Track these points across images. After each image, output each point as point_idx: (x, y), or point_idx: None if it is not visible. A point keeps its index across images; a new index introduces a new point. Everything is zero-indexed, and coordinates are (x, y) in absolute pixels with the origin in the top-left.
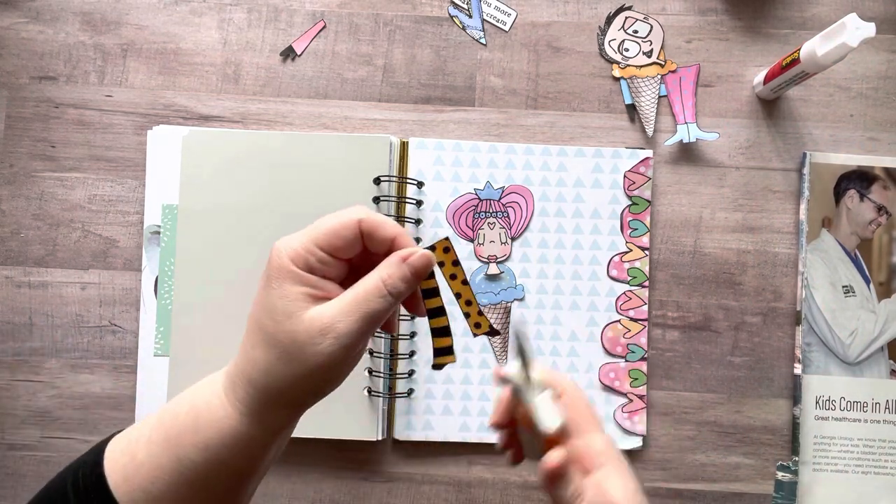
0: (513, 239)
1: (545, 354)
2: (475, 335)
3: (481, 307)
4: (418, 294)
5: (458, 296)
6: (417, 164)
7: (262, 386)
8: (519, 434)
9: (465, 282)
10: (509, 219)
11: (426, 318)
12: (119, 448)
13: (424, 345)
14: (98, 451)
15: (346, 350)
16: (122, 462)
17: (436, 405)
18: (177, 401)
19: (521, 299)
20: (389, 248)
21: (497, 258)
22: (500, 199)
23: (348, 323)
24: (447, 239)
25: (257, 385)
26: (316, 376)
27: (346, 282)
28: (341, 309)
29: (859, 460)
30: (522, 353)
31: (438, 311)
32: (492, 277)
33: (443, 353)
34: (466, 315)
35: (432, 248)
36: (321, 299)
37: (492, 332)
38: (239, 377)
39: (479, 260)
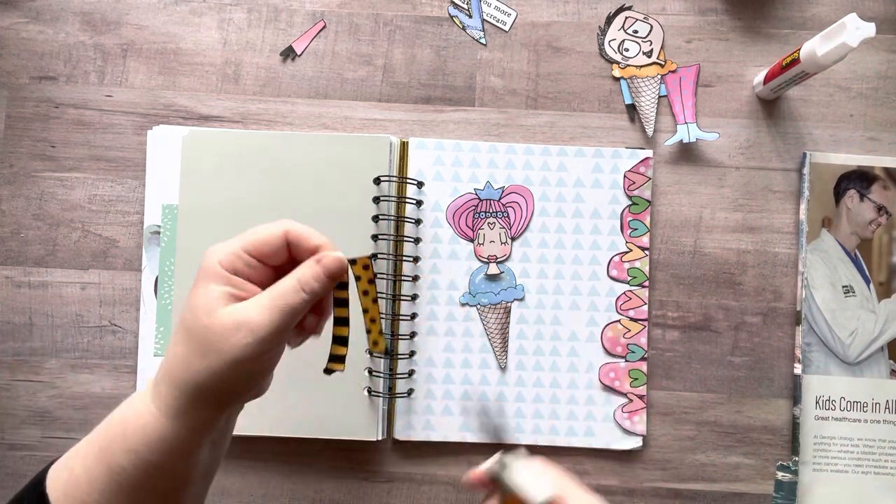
0: (513, 239)
1: (545, 354)
2: (370, 353)
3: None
4: (329, 298)
5: (365, 311)
6: (417, 164)
7: (182, 382)
8: None
9: (375, 300)
10: (509, 219)
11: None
12: (59, 466)
13: (424, 345)
14: (42, 472)
15: (260, 344)
16: (61, 479)
17: (436, 405)
18: (109, 416)
19: (521, 299)
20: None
21: (497, 258)
22: (500, 199)
23: (263, 317)
24: (369, 257)
25: (178, 382)
26: (233, 371)
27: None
28: (257, 304)
29: (859, 460)
30: (497, 438)
31: (343, 321)
32: (492, 277)
33: (335, 360)
34: (368, 331)
35: (353, 261)
36: (243, 299)
37: (386, 353)
38: (163, 377)
39: (479, 260)
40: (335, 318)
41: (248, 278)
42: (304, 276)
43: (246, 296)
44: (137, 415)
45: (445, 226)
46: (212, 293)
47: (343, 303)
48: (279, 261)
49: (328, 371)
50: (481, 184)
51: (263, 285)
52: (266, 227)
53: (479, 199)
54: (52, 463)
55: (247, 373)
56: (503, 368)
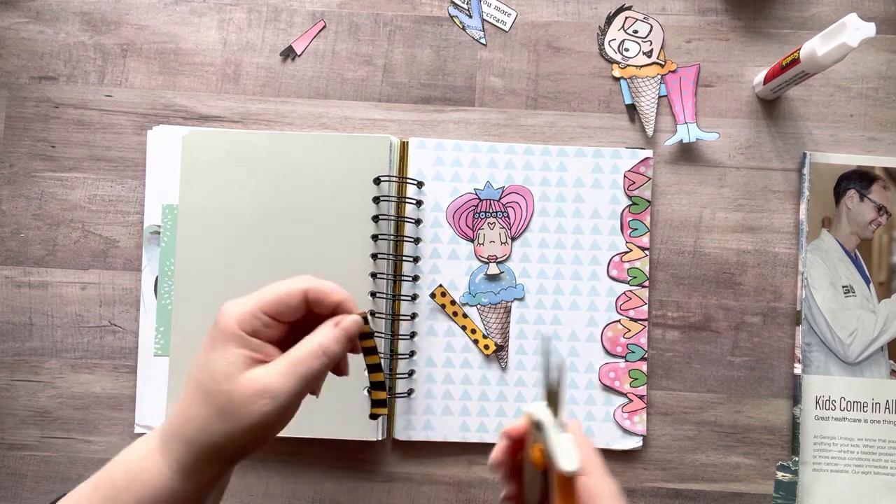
0: (513, 239)
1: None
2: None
3: (482, 306)
4: (345, 359)
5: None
6: (417, 164)
7: (197, 443)
8: (524, 474)
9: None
10: (509, 219)
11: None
12: None
13: (424, 345)
14: None
15: (280, 410)
16: None
17: (436, 405)
18: (111, 465)
19: (521, 299)
20: (334, 311)
21: (497, 258)
22: (500, 199)
23: (284, 384)
24: (365, 314)
25: (192, 442)
26: (250, 434)
27: (285, 342)
28: (278, 371)
29: (859, 460)
30: (554, 391)
31: (376, 368)
32: (492, 277)
33: (378, 405)
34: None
35: (364, 317)
36: (261, 362)
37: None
38: (173, 436)
39: (479, 260)
40: (368, 367)
41: (266, 338)
42: (325, 341)
43: (265, 359)
44: (144, 469)
45: (445, 226)
46: (231, 357)
47: (372, 350)
48: (296, 318)
49: (373, 416)
50: (481, 184)
51: (279, 342)
52: (285, 286)
53: (479, 199)
54: None
55: (265, 435)
56: (503, 368)
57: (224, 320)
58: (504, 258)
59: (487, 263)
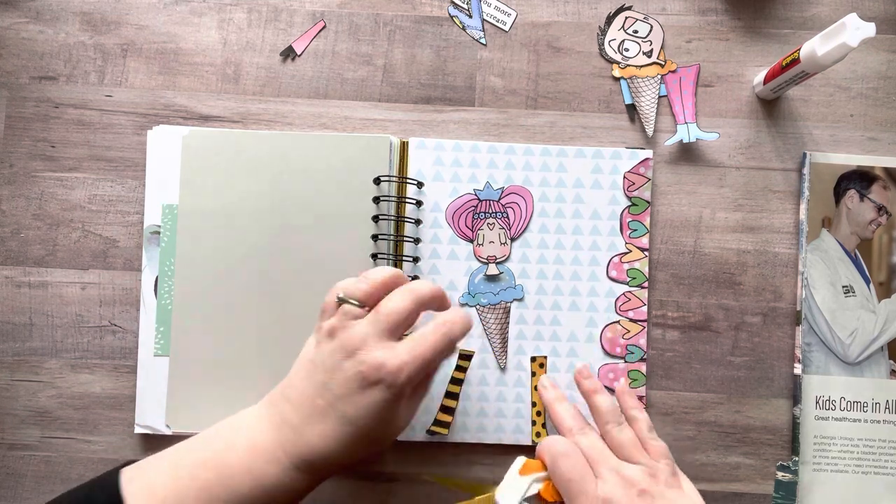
0: (512, 239)
1: (544, 355)
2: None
3: (481, 307)
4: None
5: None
6: (417, 164)
7: (336, 466)
8: None
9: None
10: (509, 219)
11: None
12: (149, 477)
13: None
14: (113, 474)
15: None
16: (153, 484)
17: (435, 405)
18: (227, 451)
19: (521, 300)
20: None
21: (496, 259)
22: (500, 199)
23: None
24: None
25: (332, 464)
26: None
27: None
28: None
29: (859, 460)
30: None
31: (454, 396)
32: (491, 278)
33: (441, 425)
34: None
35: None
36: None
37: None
38: (317, 457)
39: (479, 260)
40: (447, 392)
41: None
42: (448, 327)
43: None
44: (267, 474)
45: (445, 226)
46: (408, 410)
47: (458, 381)
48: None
49: (430, 433)
50: (481, 184)
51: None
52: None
53: (478, 199)
54: (120, 467)
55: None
56: (503, 369)
57: (404, 381)
58: (503, 259)
59: (487, 264)
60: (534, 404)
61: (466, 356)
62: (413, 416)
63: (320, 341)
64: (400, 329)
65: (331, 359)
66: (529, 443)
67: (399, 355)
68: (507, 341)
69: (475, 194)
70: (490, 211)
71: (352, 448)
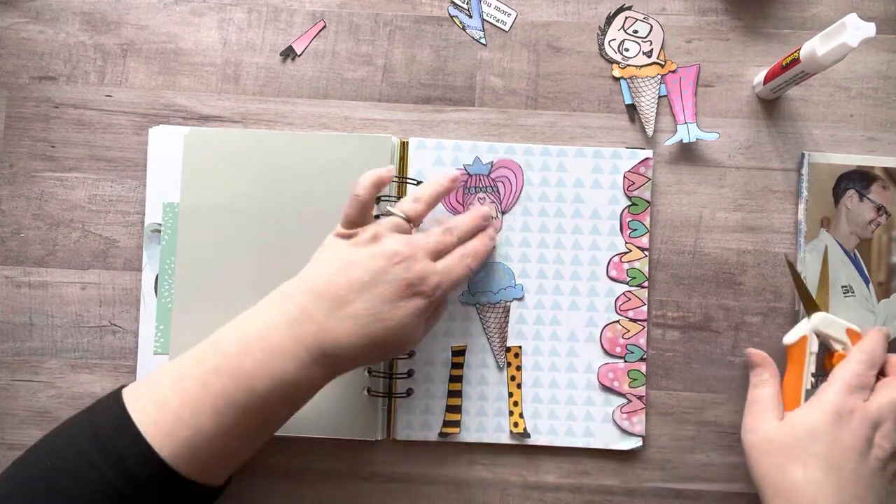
0: (503, 213)
1: (544, 355)
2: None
3: (481, 305)
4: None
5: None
6: (417, 164)
7: (354, 366)
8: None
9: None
10: (499, 193)
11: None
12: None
13: (424, 344)
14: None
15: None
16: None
17: (435, 405)
18: (243, 366)
19: (521, 299)
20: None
21: None
22: (490, 173)
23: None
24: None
25: (351, 365)
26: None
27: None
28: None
29: None
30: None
31: (457, 394)
32: (486, 264)
33: (451, 426)
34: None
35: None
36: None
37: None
38: (341, 359)
39: None
40: (449, 391)
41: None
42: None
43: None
44: (287, 371)
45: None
46: (422, 328)
47: (457, 379)
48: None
49: (443, 435)
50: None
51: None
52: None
53: (468, 174)
54: (122, 387)
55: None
56: (502, 368)
57: (442, 290)
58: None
59: None
60: (510, 395)
61: (459, 352)
62: (425, 335)
63: (357, 243)
64: (441, 256)
65: (374, 262)
66: (532, 442)
67: (438, 273)
68: (506, 340)
69: (465, 169)
70: (480, 185)
71: (371, 349)
